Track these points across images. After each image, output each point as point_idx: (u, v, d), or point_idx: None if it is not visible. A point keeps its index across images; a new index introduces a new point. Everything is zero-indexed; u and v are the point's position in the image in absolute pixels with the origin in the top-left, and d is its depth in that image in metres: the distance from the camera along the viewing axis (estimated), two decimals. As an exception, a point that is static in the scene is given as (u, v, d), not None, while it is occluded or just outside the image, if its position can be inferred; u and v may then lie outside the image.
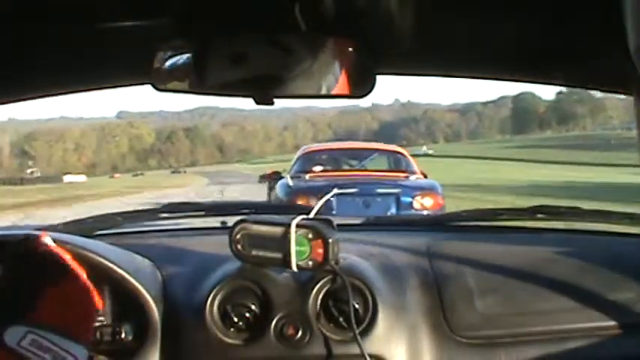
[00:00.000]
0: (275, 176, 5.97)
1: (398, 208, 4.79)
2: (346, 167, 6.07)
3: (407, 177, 5.47)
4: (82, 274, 0.83)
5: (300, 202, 4.74)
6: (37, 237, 0.82)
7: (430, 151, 78.49)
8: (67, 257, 0.82)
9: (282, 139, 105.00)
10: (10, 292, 0.76)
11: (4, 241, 0.81)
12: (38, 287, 0.76)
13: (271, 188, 6.23)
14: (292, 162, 6.05)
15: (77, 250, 0.92)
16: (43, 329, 0.74)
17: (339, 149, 6.70)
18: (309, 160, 6.03)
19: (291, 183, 5.33)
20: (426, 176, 5.76)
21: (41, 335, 0.73)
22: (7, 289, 0.76)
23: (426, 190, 5.06)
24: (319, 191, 4.63)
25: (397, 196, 4.86)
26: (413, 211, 4.76)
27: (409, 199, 4.86)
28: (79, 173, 76.97)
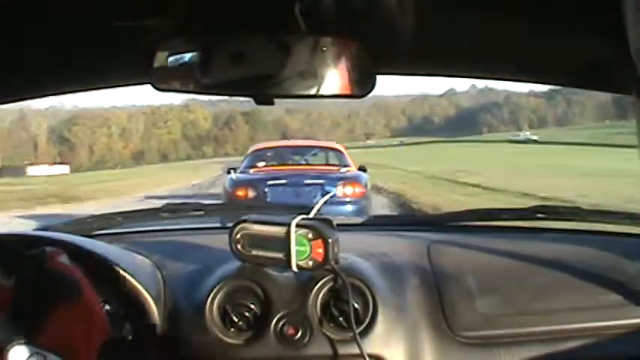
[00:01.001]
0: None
1: (323, 196, 5.41)
2: (290, 162, 6.87)
3: (338, 169, 6.36)
4: (94, 296, 0.81)
5: (239, 193, 5.75)
6: (54, 253, 0.81)
7: (534, 137, 62.29)
8: (81, 277, 0.81)
9: (351, 126, 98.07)
10: (20, 307, 0.74)
11: (20, 251, 0.80)
12: (49, 306, 0.75)
13: None
14: (242, 159, 7.01)
15: (77, 250, 0.92)
16: (49, 352, 0.73)
17: (284, 147, 7.78)
18: (257, 156, 6.93)
19: (234, 176, 6.21)
20: (364, 170, 6.54)
21: (45, 357, 0.72)
22: (17, 302, 0.74)
23: (349, 180, 5.93)
24: (256, 183, 5.84)
25: (322, 186, 5.70)
26: (336, 198, 5.58)
27: (332, 188, 5.68)
28: (60, 163, 63.67)
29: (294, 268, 0.91)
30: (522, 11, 0.76)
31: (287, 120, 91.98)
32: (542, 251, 1.10)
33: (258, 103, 0.79)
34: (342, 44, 0.73)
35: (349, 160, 6.84)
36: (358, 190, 5.83)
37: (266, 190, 5.69)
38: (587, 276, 1.02)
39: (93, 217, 1.30)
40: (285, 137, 76.94)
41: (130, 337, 0.93)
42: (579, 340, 0.96)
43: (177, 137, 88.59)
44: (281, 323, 0.92)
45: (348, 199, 5.71)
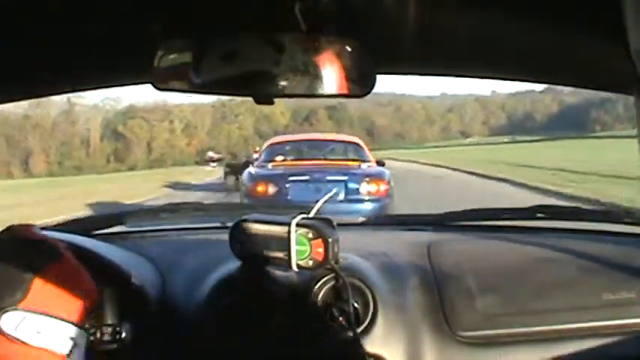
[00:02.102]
0: (244, 165, 6.63)
1: (346, 193, 5.34)
2: (307, 157, 6.56)
3: (359, 165, 6.00)
4: (71, 257, 0.83)
5: (259, 189, 5.50)
6: (24, 225, 0.83)
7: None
8: (55, 242, 0.82)
9: (446, 123, 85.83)
10: (5, 275, 0.76)
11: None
12: (29, 273, 0.76)
13: (237, 179, 6.98)
14: (260, 152, 6.74)
15: (77, 250, 0.92)
16: (38, 314, 0.74)
17: (301, 140, 7.38)
18: (273, 150, 6.62)
19: (253, 171, 6.00)
20: (382, 164, 6.35)
21: (37, 320, 0.74)
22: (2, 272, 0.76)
23: (373, 177, 5.58)
24: (276, 178, 5.59)
25: (345, 183, 5.41)
26: (359, 196, 5.33)
27: (356, 185, 5.40)
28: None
29: (295, 268, 0.91)
30: (522, 11, 0.76)
31: (374, 115, 79.21)
32: (542, 251, 1.10)
33: (257, 102, 0.79)
34: (341, 43, 0.73)
35: (369, 155, 6.53)
36: (383, 187, 5.50)
37: (287, 186, 5.44)
38: (587, 276, 1.02)
39: (93, 217, 1.31)
40: (371, 134, 68.29)
41: (129, 337, 0.93)
42: (579, 340, 0.96)
43: (249, 133, 71.79)
44: (281, 323, 0.92)
45: (372, 197, 5.42)
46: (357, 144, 6.89)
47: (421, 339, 0.95)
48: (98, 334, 0.92)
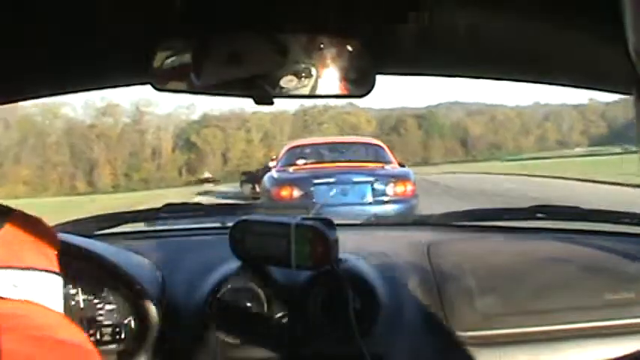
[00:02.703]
0: (260, 173, 6.56)
1: (373, 195, 5.35)
2: (328, 159, 6.46)
3: (382, 167, 5.96)
4: (20, 212, 0.81)
5: (283, 193, 5.42)
6: None
7: None
8: None
9: (543, 132, 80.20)
10: None
11: None
12: None
13: (253, 187, 6.92)
14: (279, 156, 6.71)
15: (77, 250, 0.92)
16: (7, 268, 0.73)
17: (321, 143, 7.28)
18: (293, 154, 6.56)
19: (276, 175, 5.92)
20: (403, 165, 6.32)
21: (9, 274, 0.72)
22: None
23: (399, 178, 5.56)
24: (300, 181, 5.45)
25: (372, 184, 5.38)
26: (387, 197, 5.32)
27: (383, 187, 5.38)
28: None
29: (294, 268, 0.91)
30: (522, 11, 0.76)
31: (468, 123, 73.38)
32: (542, 251, 1.10)
33: (257, 103, 0.79)
34: (341, 43, 0.73)
35: (391, 156, 6.48)
36: (409, 187, 5.48)
37: (312, 189, 5.37)
38: (587, 276, 1.02)
39: (93, 217, 1.31)
40: (464, 144, 64.14)
41: (129, 337, 0.93)
42: (579, 340, 0.96)
43: None
44: (281, 323, 0.92)
45: (399, 198, 5.36)
46: (379, 145, 6.82)
47: (421, 339, 0.95)
48: (98, 334, 0.92)
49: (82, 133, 54.19)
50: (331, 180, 5.40)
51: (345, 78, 0.73)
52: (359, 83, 0.75)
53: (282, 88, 0.73)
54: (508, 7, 0.75)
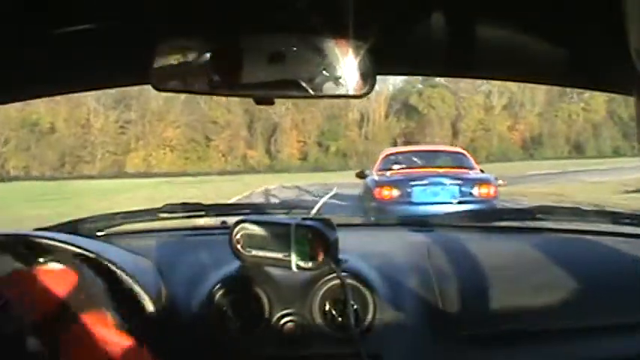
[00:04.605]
0: (362, 175, 7.62)
1: (461, 195, 6.23)
2: (419, 165, 7.45)
3: (467, 172, 6.91)
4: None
5: (384, 193, 6.37)
6: None
7: None
8: None
9: None
10: None
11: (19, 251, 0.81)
12: None
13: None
14: (377, 162, 7.80)
15: (77, 250, 0.92)
16: None
17: (412, 152, 8.50)
18: (389, 160, 7.69)
19: (376, 178, 6.93)
20: (482, 172, 7.16)
21: None
22: None
23: (483, 182, 6.51)
24: (399, 183, 6.58)
25: (460, 186, 6.28)
26: (473, 198, 6.15)
27: (469, 189, 6.27)
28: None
29: (294, 268, 0.91)
30: (522, 11, 0.76)
31: None
32: (542, 251, 1.10)
33: (258, 103, 0.79)
34: (341, 44, 0.73)
35: (474, 163, 7.45)
36: (492, 190, 6.37)
37: (409, 190, 6.30)
38: (587, 276, 1.02)
39: (93, 217, 1.30)
40: None
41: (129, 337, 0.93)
42: (579, 341, 0.96)
43: (599, 118, 46.16)
44: (281, 323, 0.92)
45: (484, 199, 6.19)
46: (462, 153, 7.87)
47: (421, 339, 0.95)
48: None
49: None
50: (425, 182, 6.32)
51: (345, 77, 0.73)
52: (359, 83, 0.75)
53: (282, 87, 0.73)
54: (508, 8, 0.75)
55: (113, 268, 0.94)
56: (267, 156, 40.71)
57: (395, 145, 35.65)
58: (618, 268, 1.04)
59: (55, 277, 0.79)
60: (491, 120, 43.85)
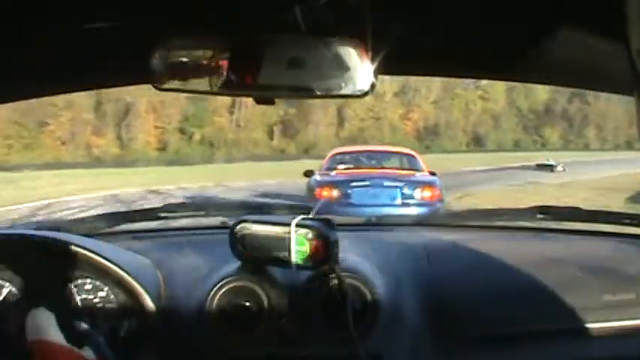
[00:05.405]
0: (309, 174, 7.47)
1: (402, 198, 6.10)
2: (366, 166, 7.34)
3: (413, 174, 6.75)
4: None
5: (324, 193, 6.22)
6: None
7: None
8: None
9: None
10: None
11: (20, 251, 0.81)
12: None
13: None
14: (324, 161, 7.67)
15: (77, 250, 0.92)
16: None
17: (360, 151, 8.30)
18: (335, 160, 7.53)
19: (319, 178, 6.79)
20: (434, 174, 6.96)
21: None
22: None
23: (426, 184, 6.34)
24: (339, 183, 6.36)
25: (401, 188, 6.13)
26: (414, 201, 6.03)
27: (411, 191, 6.12)
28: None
29: (294, 268, 0.91)
30: (522, 11, 0.76)
31: None
32: (542, 251, 1.10)
33: (258, 103, 0.79)
34: (342, 44, 0.73)
35: (422, 165, 7.34)
36: (435, 193, 6.26)
37: (349, 191, 6.17)
38: (588, 276, 1.02)
39: (93, 217, 1.30)
40: None
41: (129, 337, 0.93)
42: (579, 341, 0.96)
43: (498, 108, 43.89)
44: (281, 323, 0.92)
45: (426, 202, 6.08)
46: (412, 155, 7.71)
47: (421, 339, 0.95)
48: (97, 334, 0.92)
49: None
50: (366, 183, 6.20)
51: (346, 78, 0.73)
52: (359, 83, 0.75)
53: (282, 87, 0.73)
54: (508, 8, 0.75)
55: (113, 268, 0.94)
56: (118, 144, 33.54)
57: (271, 133, 33.03)
58: (618, 268, 1.04)
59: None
60: (382, 107, 40.47)
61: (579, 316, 0.97)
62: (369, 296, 0.93)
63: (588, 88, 1.01)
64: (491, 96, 43.92)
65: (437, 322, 0.96)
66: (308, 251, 0.91)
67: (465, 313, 0.97)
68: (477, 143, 44.47)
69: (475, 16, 0.79)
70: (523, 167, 21.26)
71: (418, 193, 6.15)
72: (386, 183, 6.24)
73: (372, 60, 0.74)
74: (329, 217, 0.98)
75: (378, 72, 0.77)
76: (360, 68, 0.74)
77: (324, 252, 0.90)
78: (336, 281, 0.92)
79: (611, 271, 1.04)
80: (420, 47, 0.89)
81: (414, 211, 5.80)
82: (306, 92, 0.74)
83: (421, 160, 7.53)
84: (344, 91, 0.74)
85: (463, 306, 0.97)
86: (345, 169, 7.18)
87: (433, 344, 0.95)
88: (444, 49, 0.92)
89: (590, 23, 0.74)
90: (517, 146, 43.46)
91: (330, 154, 8.02)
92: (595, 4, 0.68)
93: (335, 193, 6.22)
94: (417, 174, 6.83)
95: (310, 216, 0.98)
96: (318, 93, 0.74)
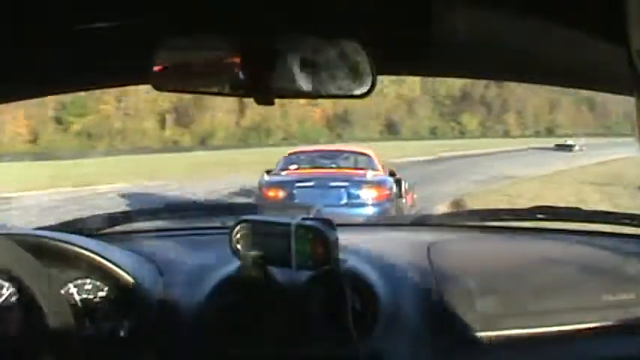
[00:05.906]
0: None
1: (348, 198, 6.05)
2: (320, 166, 7.24)
3: (364, 173, 6.59)
4: None
5: (270, 193, 6.16)
6: None
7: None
8: None
9: None
10: None
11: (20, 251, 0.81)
12: None
13: None
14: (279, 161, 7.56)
15: (77, 250, 0.92)
16: None
17: (314, 151, 8.27)
18: (289, 160, 7.42)
19: (267, 178, 6.66)
20: (393, 174, 6.87)
21: None
22: None
23: (374, 184, 6.24)
24: (285, 184, 6.27)
25: (347, 188, 6.07)
26: (360, 201, 6.00)
27: (356, 191, 6.07)
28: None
29: (294, 268, 0.91)
30: (523, 11, 0.76)
31: None
32: (542, 251, 1.10)
33: (258, 103, 0.79)
34: (342, 44, 0.73)
35: (378, 165, 7.24)
36: (384, 193, 6.19)
37: (294, 191, 6.07)
38: (587, 276, 1.02)
39: (93, 217, 1.30)
40: None
41: (129, 337, 0.93)
42: (579, 341, 0.96)
43: (416, 95, 39.30)
44: (281, 323, 0.92)
45: (373, 202, 6.05)
46: (367, 154, 7.57)
47: (421, 339, 0.95)
48: (97, 334, 0.92)
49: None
50: (311, 184, 6.15)
51: (345, 78, 0.73)
52: (359, 83, 0.75)
53: (283, 87, 0.73)
54: (508, 8, 0.75)
55: (113, 268, 0.94)
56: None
57: (163, 122, 30.14)
58: (618, 268, 1.04)
59: None
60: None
61: (579, 316, 0.97)
62: (369, 296, 0.93)
63: (588, 89, 1.01)
64: (404, 80, 40.85)
65: (437, 322, 0.96)
66: (308, 251, 0.91)
67: (465, 314, 0.97)
68: (390, 130, 43.22)
69: (475, 17, 0.79)
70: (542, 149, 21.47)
71: (365, 193, 6.10)
72: (332, 183, 6.18)
73: (373, 60, 0.74)
74: (329, 217, 0.98)
75: (378, 72, 0.77)
76: (360, 68, 0.74)
77: (324, 252, 0.90)
78: (336, 281, 0.92)
79: (611, 271, 1.04)
80: (420, 47, 0.89)
81: (359, 211, 5.79)
82: (307, 93, 0.74)
83: (377, 159, 7.40)
84: (345, 92, 0.74)
85: (463, 306, 0.97)
86: (296, 169, 7.07)
87: (433, 344, 0.95)
88: (444, 49, 0.92)
89: (590, 23, 0.74)
90: (433, 134, 42.67)
91: (286, 154, 7.94)
92: (595, 4, 0.68)
93: (281, 193, 6.15)
94: (369, 173, 6.64)
95: (310, 216, 0.98)
96: (319, 93, 0.74)
